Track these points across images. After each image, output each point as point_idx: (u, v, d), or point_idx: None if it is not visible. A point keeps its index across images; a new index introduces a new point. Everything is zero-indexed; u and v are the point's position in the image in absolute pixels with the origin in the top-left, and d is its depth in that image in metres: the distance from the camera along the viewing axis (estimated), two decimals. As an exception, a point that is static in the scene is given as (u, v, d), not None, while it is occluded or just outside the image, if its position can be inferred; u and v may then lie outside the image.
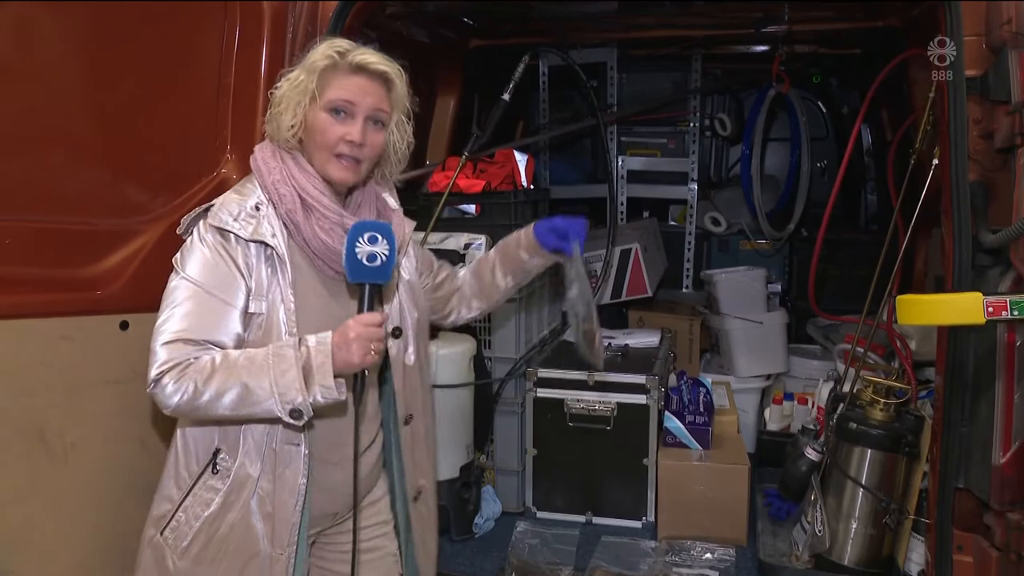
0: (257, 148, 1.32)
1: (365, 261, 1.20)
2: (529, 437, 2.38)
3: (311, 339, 1.20)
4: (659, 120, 3.39)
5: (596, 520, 2.34)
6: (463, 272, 1.60)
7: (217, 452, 1.26)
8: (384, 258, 1.21)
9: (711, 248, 3.51)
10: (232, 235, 1.24)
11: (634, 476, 2.30)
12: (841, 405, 2.07)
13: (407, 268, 1.41)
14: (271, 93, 1.30)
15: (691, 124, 3.38)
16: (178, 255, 1.27)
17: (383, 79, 1.29)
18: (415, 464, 1.40)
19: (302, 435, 1.25)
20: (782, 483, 2.22)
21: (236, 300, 1.24)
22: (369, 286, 1.22)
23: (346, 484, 1.27)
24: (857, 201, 3.61)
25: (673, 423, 2.33)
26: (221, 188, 1.59)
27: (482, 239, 2.40)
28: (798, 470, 2.14)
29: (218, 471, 1.25)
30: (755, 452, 2.74)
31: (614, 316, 3.19)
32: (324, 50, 1.26)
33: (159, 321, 1.22)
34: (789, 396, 2.87)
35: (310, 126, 1.26)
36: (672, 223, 3.58)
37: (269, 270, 1.25)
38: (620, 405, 2.31)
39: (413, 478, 1.40)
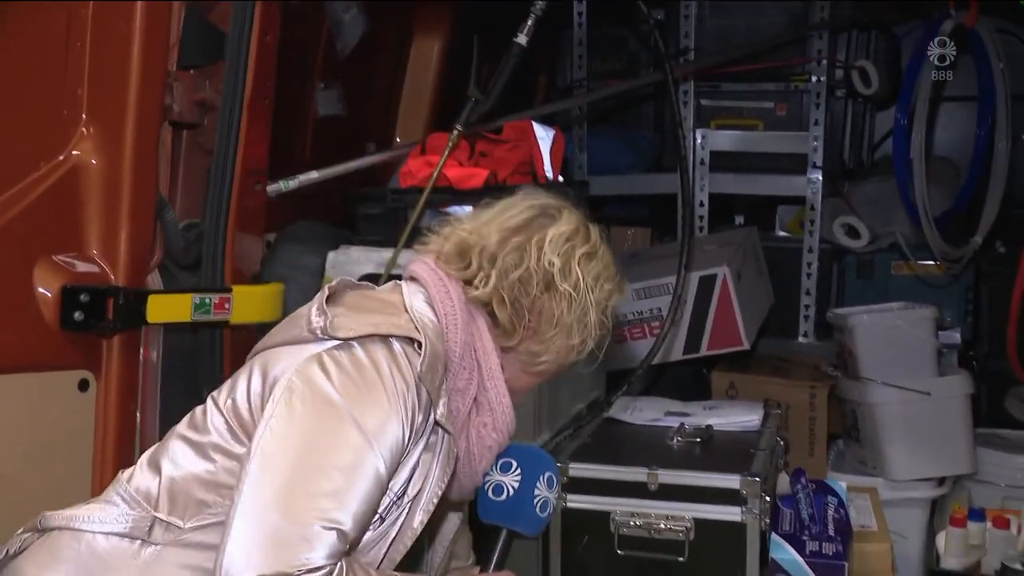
0: (427, 271, 1.49)
1: (538, 510, 1.52)
2: (555, 572, 2.37)
3: None
4: (762, 73, 3.46)
5: None
6: None
7: None
8: (553, 510, 1.54)
9: (845, 274, 3.55)
10: (426, 395, 1.39)
11: (722, 639, 2.29)
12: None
13: None
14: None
15: (813, 78, 3.42)
16: (334, 372, 1.34)
17: None
18: None
19: None
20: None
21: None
22: (507, 535, 1.54)
23: None
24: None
25: (785, 553, 2.30)
26: (72, 179, 1.64)
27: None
28: (996, 639, 2.10)
29: None
30: (923, 605, 2.69)
31: (689, 381, 3.23)
32: (610, 274, 1.54)
33: (322, 478, 1.29)
34: (978, 514, 2.82)
35: (560, 348, 1.52)
36: (782, 234, 3.63)
37: (424, 463, 1.42)
38: (700, 523, 2.30)
39: None
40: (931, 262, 3.42)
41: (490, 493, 1.51)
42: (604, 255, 1.54)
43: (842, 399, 3.10)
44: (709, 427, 2.62)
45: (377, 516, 1.38)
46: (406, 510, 1.42)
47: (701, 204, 3.51)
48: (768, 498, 2.33)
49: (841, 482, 2.59)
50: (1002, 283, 3.28)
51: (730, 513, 2.29)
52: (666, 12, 3.49)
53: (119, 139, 1.85)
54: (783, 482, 2.53)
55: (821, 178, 3.43)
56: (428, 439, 1.42)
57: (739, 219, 3.71)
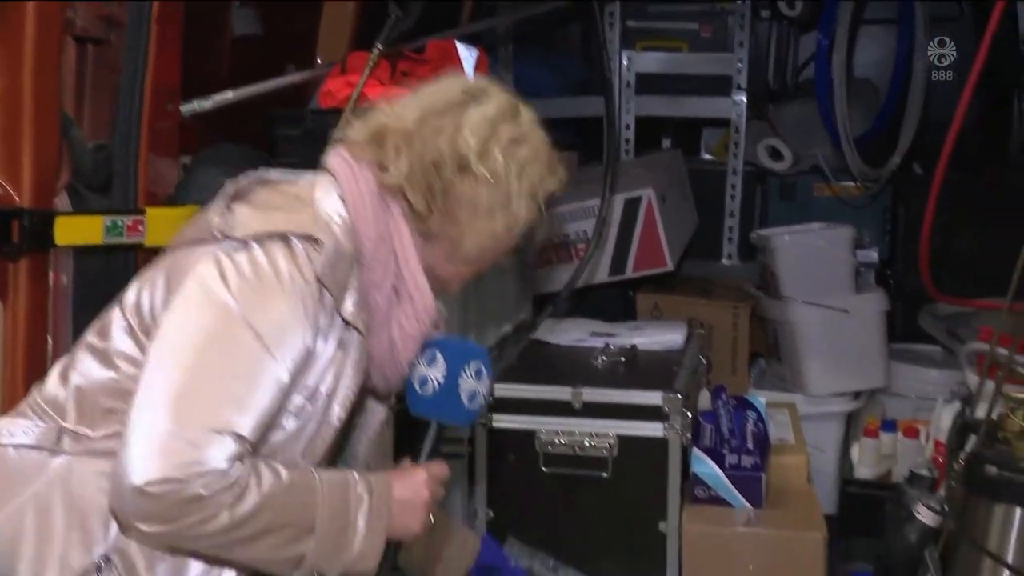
0: (338, 162, 1.42)
1: (467, 402, 1.48)
2: (482, 491, 2.40)
3: (358, 481, 1.37)
4: (687, -7, 3.46)
5: (587, 619, 2.36)
6: None
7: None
8: (484, 400, 1.50)
9: (768, 195, 3.59)
10: (328, 294, 1.33)
11: (645, 550, 2.33)
12: (973, 438, 2.11)
13: None
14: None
15: (738, -1, 3.43)
16: (231, 274, 1.30)
17: None
18: None
19: None
20: (880, 561, 2.26)
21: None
22: (438, 427, 1.50)
23: None
24: (1006, 119, 3.64)
25: (706, 467, 2.34)
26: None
27: (401, 179, 2.38)
28: (905, 541, 2.18)
29: None
30: (837, 513, 2.82)
31: (615, 302, 3.25)
32: (541, 158, 1.46)
33: (215, 383, 1.27)
34: (890, 425, 2.93)
35: (481, 234, 1.44)
36: (707, 157, 3.68)
37: (336, 360, 1.37)
38: (623, 440, 2.34)
39: None
40: (851, 183, 3.49)
41: (416, 386, 1.48)
42: (534, 138, 1.45)
43: (764, 318, 3.17)
44: (634, 347, 2.67)
45: (290, 415, 1.35)
46: (323, 406, 1.39)
47: (627, 127, 3.50)
48: (689, 414, 2.38)
49: (761, 398, 2.63)
50: (918, 204, 3.32)
51: (653, 429, 2.33)
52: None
53: (18, 54, 1.75)
54: (704, 399, 2.59)
55: (745, 100, 3.45)
56: (340, 337, 1.38)
57: (666, 143, 3.73)
